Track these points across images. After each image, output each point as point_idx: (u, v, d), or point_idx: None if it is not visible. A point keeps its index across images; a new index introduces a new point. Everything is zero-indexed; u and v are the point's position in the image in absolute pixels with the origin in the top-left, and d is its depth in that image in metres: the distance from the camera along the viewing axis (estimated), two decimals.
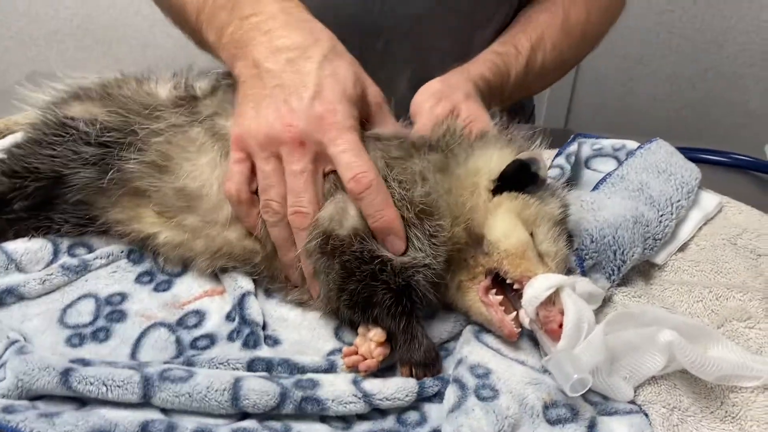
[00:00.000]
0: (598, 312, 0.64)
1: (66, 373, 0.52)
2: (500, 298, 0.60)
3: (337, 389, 0.54)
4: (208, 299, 0.66)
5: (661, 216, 0.75)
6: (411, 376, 0.56)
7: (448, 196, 0.61)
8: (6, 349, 0.56)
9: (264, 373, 0.56)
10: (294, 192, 0.61)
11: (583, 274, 0.67)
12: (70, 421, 0.48)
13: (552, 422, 0.53)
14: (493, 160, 0.63)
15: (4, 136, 0.90)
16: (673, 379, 0.58)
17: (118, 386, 0.52)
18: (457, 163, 0.63)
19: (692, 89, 1.85)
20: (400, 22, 0.98)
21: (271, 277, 0.66)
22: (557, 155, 0.84)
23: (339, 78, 0.64)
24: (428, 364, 0.56)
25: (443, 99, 0.72)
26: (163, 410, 0.52)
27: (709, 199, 0.81)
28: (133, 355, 0.59)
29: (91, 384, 0.52)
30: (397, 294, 0.58)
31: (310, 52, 0.65)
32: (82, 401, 0.53)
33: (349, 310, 0.59)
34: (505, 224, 0.61)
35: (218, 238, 0.65)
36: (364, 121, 0.66)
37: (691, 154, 0.93)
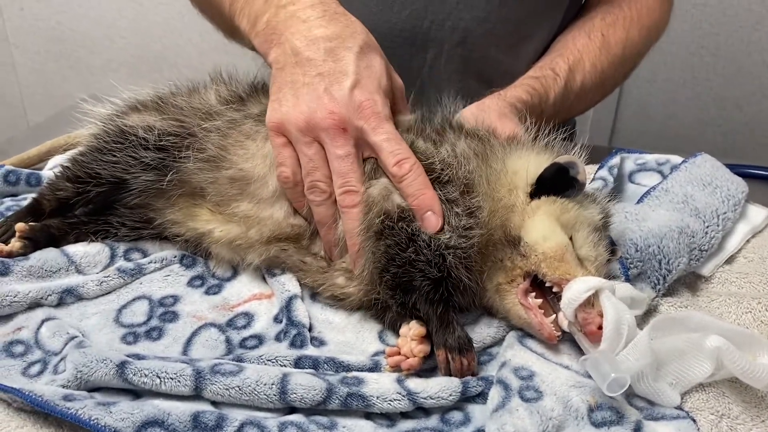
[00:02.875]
0: (643, 321, 0.64)
1: (122, 366, 0.54)
2: (539, 301, 0.60)
3: (381, 387, 0.55)
4: (256, 302, 0.68)
5: (707, 227, 0.74)
6: (447, 360, 0.57)
7: (487, 185, 0.63)
8: (66, 343, 0.59)
9: (311, 370, 0.57)
10: (341, 174, 0.64)
11: (628, 282, 0.67)
12: (126, 410, 0.50)
13: (597, 425, 0.53)
14: (531, 163, 0.64)
15: (65, 151, 0.95)
16: (722, 386, 0.57)
17: (171, 378, 0.53)
18: (495, 157, 0.65)
19: (740, 111, 1.81)
20: (449, 34, 1.00)
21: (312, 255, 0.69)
22: (599, 168, 0.84)
23: (374, 70, 0.68)
24: (462, 348, 0.57)
25: (478, 120, 0.73)
26: (214, 403, 0.54)
27: (757, 213, 0.81)
28: (185, 352, 0.61)
29: (146, 376, 0.54)
30: (435, 282, 0.60)
31: (349, 42, 0.68)
32: (136, 393, 0.55)
33: (390, 290, 0.61)
34: (543, 227, 0.61)
35: (269, 222, 0.68)
36: None
37: (737, 169, 0.92)
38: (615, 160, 0.85)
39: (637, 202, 0.80)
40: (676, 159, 0.87)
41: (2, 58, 2.08)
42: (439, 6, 0.97)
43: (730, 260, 0.75)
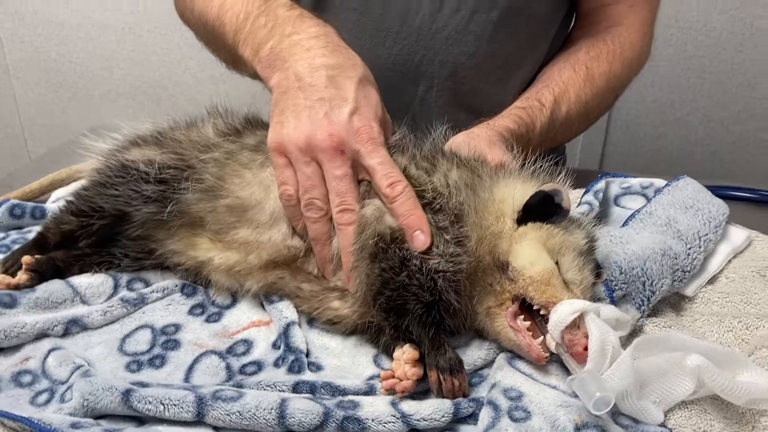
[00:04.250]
0: (628, 341, 0.66)
1: (127, 394, 0.56)
2: (528, 323, 0.63)
3: (376, 410, 0.57)
4: (255, 329, 0.70)
5: (689, 249, 0.77)
6: (438, 381, 0.59)
7: (475, 214, 0.66)
8: (72, 373, 0.61)
9: (308, 395, 0.59)
10: (338, 193, 0.67)
11: (613, 304, 0.69)
12: None
13: None
14: (517, 191, 0.67)
15: (68, 184, 0.98)
16: (704, 403, 0.60)
17: (174, 405, 0.56)
18: (483, 186, 0.68)
19: (726, 131, 1.85)
20: (439, 68, 1.04)
21: (307, 275, 0.71)
22: (585, 193, 0.87)
23: (372, 100, 0.72)
24: (453, 369, 0.60)
25: (468, 148, 0.76)
26: (215, 428, 0.56)
27: (738, 234, 0.83)
28: (187, 379, 0.64)
29: (150, 403, 0.56)
30: (427, 306, 0.62)
31: (350, 72, 0.72)
32: (141, 420, 0.57)
33: (384, 313, 0.64)
34: (530, 252, 0.64)
35: (267, 245, 0.70)
36: None
37: (720, 191, 0.95)
38: (600, 185, 0.88)
39: (623, 225, 0.83)
40: (659, 182, 0.90)
41: (3, 89, 2.11)
42: (429, 41, 1.01)
43: (712, 280, 0.78)
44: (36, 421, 0.54)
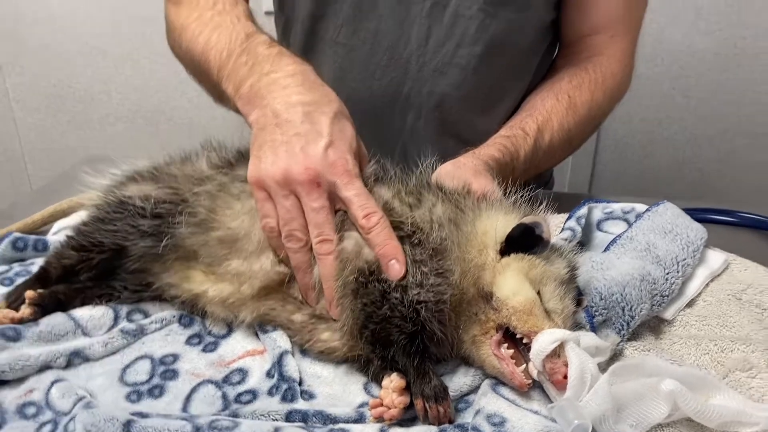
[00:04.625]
0: (608, 365, 0.68)
1: (128, 424, 0.59)
2: (511, 351, 0.66)
3: None
4: (250, 358, 0.73)
5: (668, 274, 0.80)
6: (424, 409, 0.62)
7: (458, 248, 0.68)
8: (75, 404, 0.64)
9: (300, 423, 0.62)
10: (317, 224, 0.70)
11: (593, 329, 0.72)
12: None
13: None
14: (499, 223, 0.70)
15: (69, 215, 1.01)
16: (679, 426, 0.62)
17: None
18: (466, 220, 0.71)
19: (713, 149, 1.90)
20: (426, 99, 1.08)
21: (296, 303, 0.74)
22: (568, 218, 0.90)
23: (346, 134, 0.75)
24: (437, 397, 0.62)
25: (454, 178, 0.79)
26: None
27: (716, 257, 0.86)
28: (185, 408, 0.66)
29: None
30: (411, 336, 0.65)
31: (324, 108, 0.75)
32: None
33: (370, 345, 0.67)
34: (513, 283, 0.67)
35: (259, 273, 0.73)
36: None
37: (699, 215, 0.99)
38: (582, 211, 0.91)
39: (605, 250, 0.86)
40: (640, 207, 0.93)
41: (3, 113, 2.15)
42: (416, 74, 1.05)
43: (690, 303, 0.81)
44: None
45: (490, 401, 0.64)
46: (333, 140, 0.73)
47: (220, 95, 0.93)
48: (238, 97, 0.83)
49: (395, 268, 0.67)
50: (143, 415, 0.62)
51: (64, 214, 1.02)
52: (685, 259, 0.82)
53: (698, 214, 0.98)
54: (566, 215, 0.93)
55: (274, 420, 0.62)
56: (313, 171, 0.71)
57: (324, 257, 0.70)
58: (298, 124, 0.74)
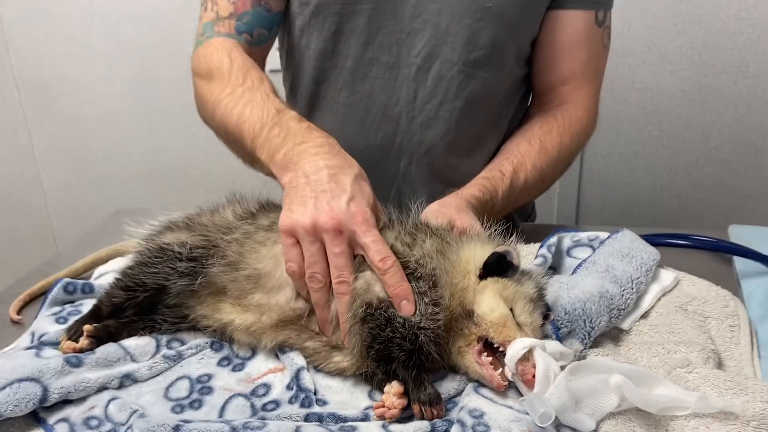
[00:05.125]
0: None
1: (177, 428, 0.73)
2: (490, 358, 0.79)
3: (370, 431, 0.73)
4: (272, 375, 0.87)
5: (623, 291, 0.93)
6: (420, 412, 0.75)
7: (446, 275, 0.82)
8: (130, 416, 0.77)
9: (317, 423, 0.75)
10: (337, 267, 0.83)
11: (559, 339, 0.86)
12: None
13: None
14: (478, 252, 0.84)
15: (106, 261, 1.16)
16: (629, 414, 0.75)
17: None
18: (451, 250, 0.84)
19: (688, 176, 2.05)
20: (416, 148, 1.24)
21: (311, 333, 0.87)
22: (540, 247, 1.05)
23: (365, 192, 0.88)
24: (432, 402, 0.75)
25: (440, 215, 0.94)
26: None
27: (667, 275, 1.00)
28: (221, 416, 0.80)
29: None
30: (409, 353, 0.78)
31: (347, 171, 0.89)
32: None
33: (375, 362, 0.80)
34: (490, 301, 0.81)
35: (275, 307, 0.86)
36: None
37: (658, 239, 1.13)
38: (552, 240, 1.05)
39: (572, 273, 1.00)
40: (603, 235, 1.07)
41: (31, 177, 2.32)
42: (407, 126, 1.21)
43: (645, 315, 0.94)
44: None
45: (472, 399, 0.77)
46: (354, 196, 0.86)
47: (252, 161, 1.06)
48: (273, 164, 0.96)
49: (407, 307, 0.80)
50: (188, 422, 0.75)
51: (104, 261, 1.17)
52: (638, 278, 0.96)
53: (657, 239, 1.13)
54: (539, 244, 1.07)
55: (295, 421, 0.76)
56: (337, 221, 0.83)
57: (341, 296, 0.83)
58: (324, 183, 0.87)
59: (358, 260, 0.86)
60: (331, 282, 0.84)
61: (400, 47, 1.19)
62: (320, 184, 0.87)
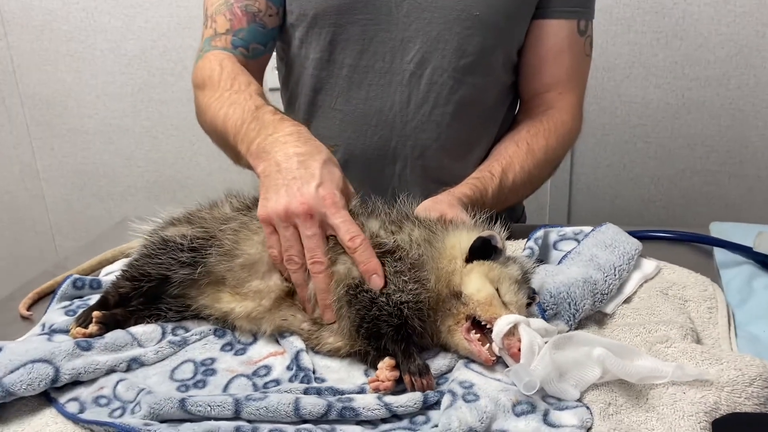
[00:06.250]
0: None
1: (182, 401, 0.77)
2: (478, 335, 0.83)
3: (366, 402, 0.77)
4: (273, 358, 0.91)
5: (606, 277, 0.98)
6: (411, 382, 0.79)
7: (433, 261, 0.87)
8: (138, 393, 0.82)
9: (316, 395, 0.80)
10: (310, 249, 0.89)
11: (546, 320, 0.90)
12: (189, 427, 0.73)
13: (518, 415, 0.75)
14: (464, 238, 0.89)
15: (112, 262, 1.21)
16: (611, 384, 0.79)
17: (218, 406, 0.76)
18: (437, 239, 0.90)
19: (674, 187, 2.11)
20: (410, 151, 1.30)
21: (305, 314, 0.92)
22: (527, 240, 1.10)
23: (334, 176, 0.94)
24: (421, 372, 0.80)
25: (433, 210, 0.99)
26: (249, 420, 0.76)
27: (649, 264, 1.05)
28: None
29: (200, 406, 0.76)
30: (396, 328, 0.83)
31: (315, 157, 0.94)
32: (193, 421, 0.77)
33: (366, 340, 0.85)
34: (476, 282, 0.85)
35: (274, 287, 0.92)
36: None
37: (644, 233, 1.18)
38: (539, 233, 1.11)
39: (558, 263, 1.05)
40: (588, 229, 1.13)
41: (36, 193, 2.37)
42: (401, 131, 1.27)
43: (627, 300, 0.99)
44: (119, 424, 0.75)
45: (462, 373, 0.81)
46: (323, 181, 0.92)
47: (236, 156, 1.13)
48: (248, 154, 1.03)
49: (376, 281, 0.85)
50: (192, 396, 0.79)
51: (109, 262, 1.21)
52: (621, 265, 1.01)
53: (643, 233, 1.18)
54: (526, 240, 1.12)
55: (295, 394, 0.80)
56: (308, 205, 0.89)
57: (316, 275, 0.89)
58: (294, 170, 0.93)
59: (332, 242, 0.90)
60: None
61: (393, 54, 1.25)
62: (290, 171, 0.93)
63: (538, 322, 0.85)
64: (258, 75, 1.31)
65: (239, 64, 1.22)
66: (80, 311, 1.00)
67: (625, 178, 2.12)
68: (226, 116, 1.12)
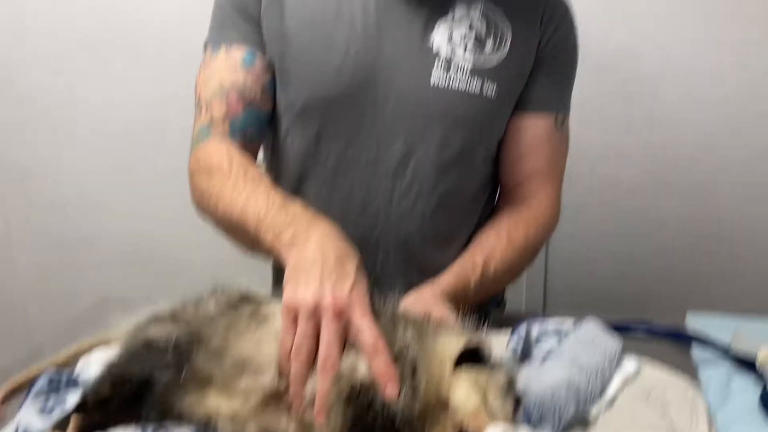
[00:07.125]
0: None
1: None
2: None
3: None
4: None
5: (589, 378, 1.00)
6: None
7: (425, 363, 0.87)
8: None
9: None
10: (329, 346, 0.87)
11: (531, 428, 0.91)
12: None
13: None
14: (452, 344, 0.90)
15: (89, 352, 1.18)
16: None
17: None
18: (428, 342, 0.90)
19: (648, 264, 2.16)
20: (393, 240, 1.31)
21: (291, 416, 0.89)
22: (511, 335, 1.11)
23: (364, 282, 0.94)
24: None
25: (418, 306, 1.00)
26: None
27: (629, 364, 1.07)
28: None
29: None
30: None
31: (352, 258, 0.96)
32: None
33: None
34: (464, 390, 0.85)
35: (260, 388, 0.89)
36: None
37: (619, 327, 1.20)
38: (522, 331, 1.12)
39: (541, 363, 1.06)
40: (569, 324, 1.14)
41: (7, 265, 2.33)
42: (384, 221, 1.29)
43: (610, 403, 1.00)
44: None
45: None
46: (356, 283, 0.92)
47: (253, 243, 1.12)
48: (278, 241, 1.02)
49: (393, 390, 0.84)
50: None
51: (86, 352, 1.19)
52: (603, 366, 1.02)
53: (622, 326, 1.20)
54: (509, 334, 1.13)
55: None
56: (339, 305, 0.88)
57: (325, 375, 0.86)
58: (331, 266, 0.93)
59: (348, 343, 0.89)
60: (314, 360, 0.88)
61: (379, 147, 1.28)
62: (327, 266, 0.93)
63: (523, 430, 0.85)
64: (254, 158, 1.33)
65: (245, 155, 1.24)
66: (57, 409, 0.98)
67: (600, 256, 2.14)
68: (246, 205, 1.11)
